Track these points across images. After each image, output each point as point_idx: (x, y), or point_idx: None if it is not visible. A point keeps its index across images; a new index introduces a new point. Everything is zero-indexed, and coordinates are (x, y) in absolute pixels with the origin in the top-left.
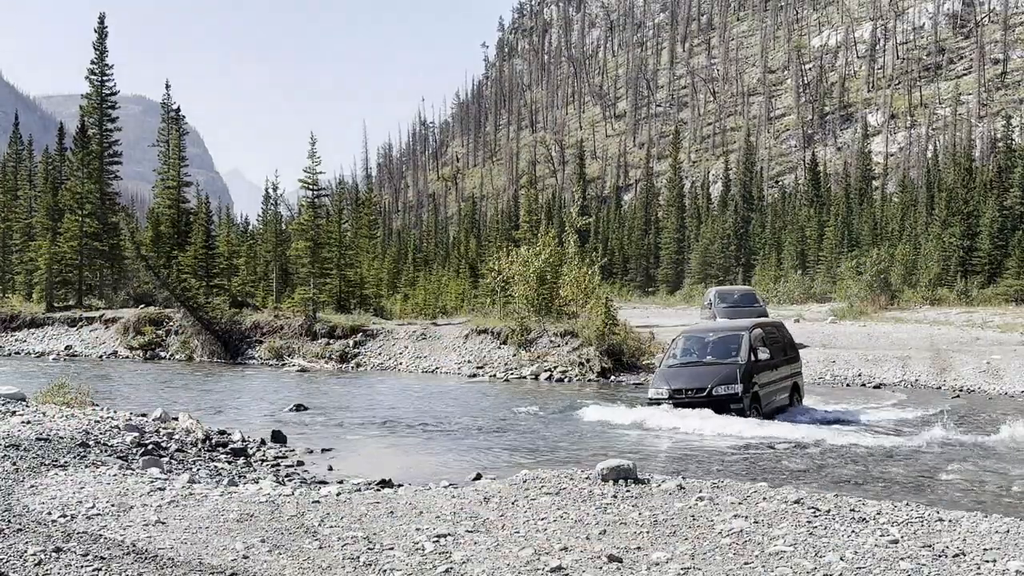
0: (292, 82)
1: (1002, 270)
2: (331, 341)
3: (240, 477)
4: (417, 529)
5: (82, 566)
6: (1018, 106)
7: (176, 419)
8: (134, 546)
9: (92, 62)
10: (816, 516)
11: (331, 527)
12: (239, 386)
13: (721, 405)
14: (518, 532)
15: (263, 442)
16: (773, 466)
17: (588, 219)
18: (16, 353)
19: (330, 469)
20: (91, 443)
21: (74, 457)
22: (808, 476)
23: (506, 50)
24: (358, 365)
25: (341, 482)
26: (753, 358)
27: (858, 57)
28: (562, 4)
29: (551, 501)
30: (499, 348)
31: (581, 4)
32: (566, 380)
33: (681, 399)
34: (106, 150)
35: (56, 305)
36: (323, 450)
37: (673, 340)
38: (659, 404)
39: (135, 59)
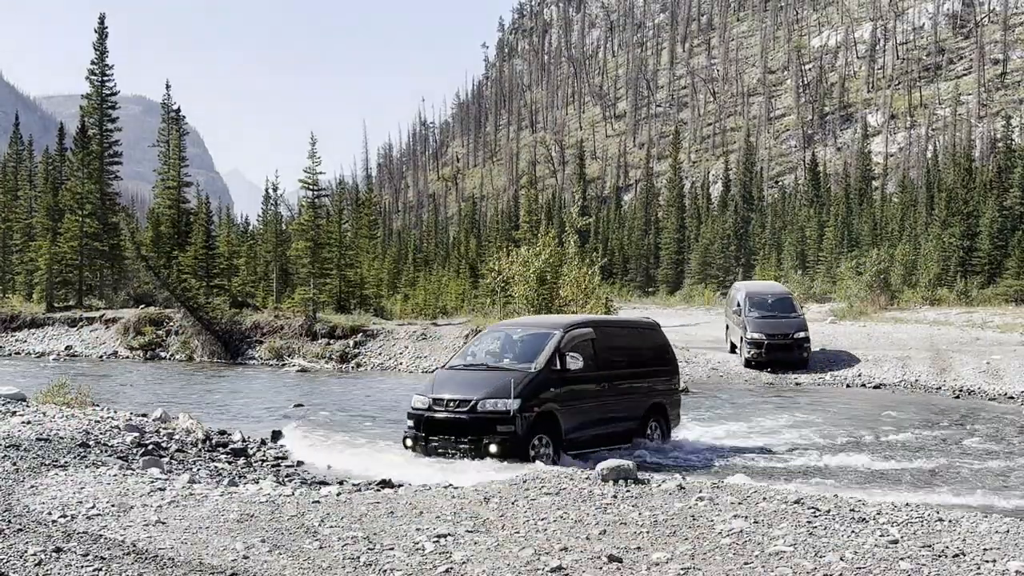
0: (292, 82)
1: (1002, 270)
2: (331, 341)
3: (240, 477)
4: (417, 529)
5: (82, 566)
6: (1018, 106)
7: (176, 419)
8: (134, 546)
9: (92, 62)
10: (816, 516)
11: (331, 527)
12: (239, 386)
13: (484, 428)
14: (518, 532)
15: (263, 442)
16: None
17: (588, 219)
18: (16, 353)
19: (329, 467)
20: (91, 443)
21: (74, 457)
22: None
23: (506, 50)
24: (358, 365)
25: (341, 482)
26: (558, 366)
27: (858, 57)
28: (562, 4)
29: (551, 501)
30: None
31: (581, 4)
32: None
33: (439, 414)
34: (106, 150)
35: (56, 305)
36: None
37: (479, 334)
38: (420, 418)
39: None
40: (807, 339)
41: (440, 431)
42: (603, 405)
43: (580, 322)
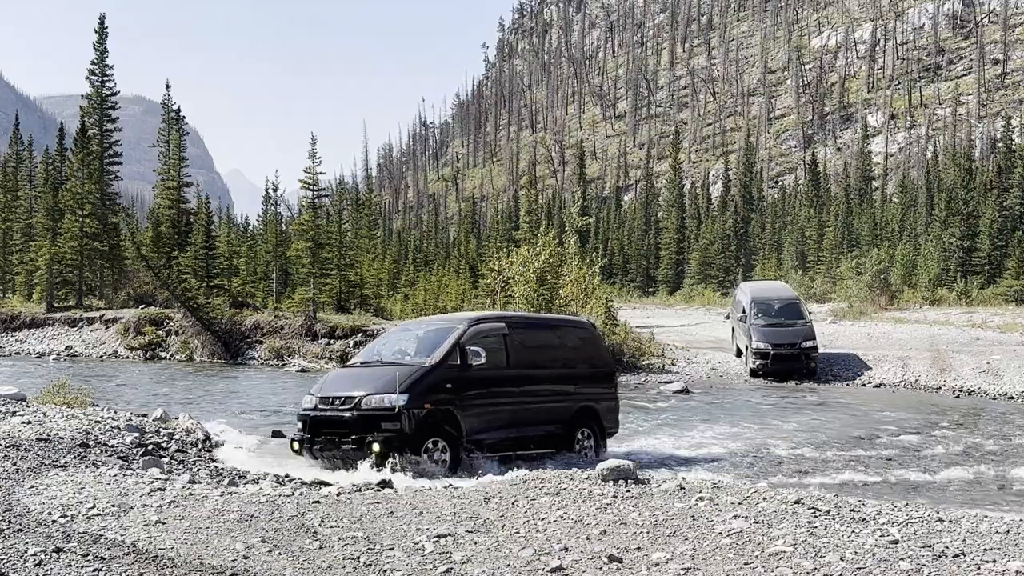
0: (292, 82)
1: (1002, 270)
2: (331, 341)
3: (240, 477)
4: (417, 529)
5: (82, 566)
6: (1018, 106)
7: (176, 419)
8: (134, 546)
9: (92, 62)
10: (816, 516)
11: (331, 527)
12: (239, 386)
13: (368, 426)
14: (518, 532)
15: (264, 442)
16: None
17: (588, 219)
18: (16, 353)
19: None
20: (91, 443)
21: (74, 457)
22: None
23: (506, 50)
24: None
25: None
26: (458, 362)
27: (858, 57)
28: (562, 4)
29: (551, 501)
30: None
31: (581, 4)
32: None
33: (325, 414)
34: (106, 150)
35: (56, 305)
36: None
37: (387, 332)
38: (306, 419)
39: (136, 59)
40: (815, 348)
41: (325, 431)
42: (518, 406)
43: (489, 316)
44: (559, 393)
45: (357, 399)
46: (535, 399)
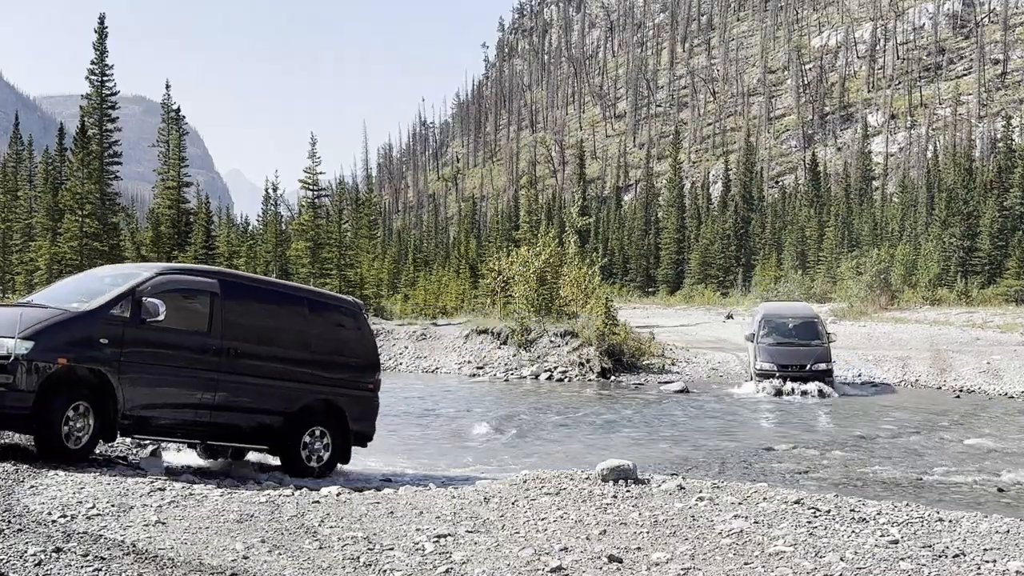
0: (292, 82)
1: (1002, 270)
2: None
3: (244, 479)
4: (417, 529)
5: (82, 566)
6: (1018, 106)
7: None
8: (134, 546)
9: (92, 62)
10: (816, 516)
11: (331, 527)
12: None
13: None
14: (518, 532)
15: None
16: None
17: (588, 219)
18: None
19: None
20: None
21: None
22: None
23: (506, 50)
24: None
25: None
26: (128, 314)
27: (858, 57)
28: (562, 4)
29: (551, 501)
30: (499, 348)
31: (581, 4)
32: (566, 380)
33: None
34: (106, 150)
35: None
36: None
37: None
38: None
39: (136, 59)
40: (829, 372)
41: None
42: (216, 384)
43: (196, 270)
44: (287, 378)
45: None
46: (246, 380)
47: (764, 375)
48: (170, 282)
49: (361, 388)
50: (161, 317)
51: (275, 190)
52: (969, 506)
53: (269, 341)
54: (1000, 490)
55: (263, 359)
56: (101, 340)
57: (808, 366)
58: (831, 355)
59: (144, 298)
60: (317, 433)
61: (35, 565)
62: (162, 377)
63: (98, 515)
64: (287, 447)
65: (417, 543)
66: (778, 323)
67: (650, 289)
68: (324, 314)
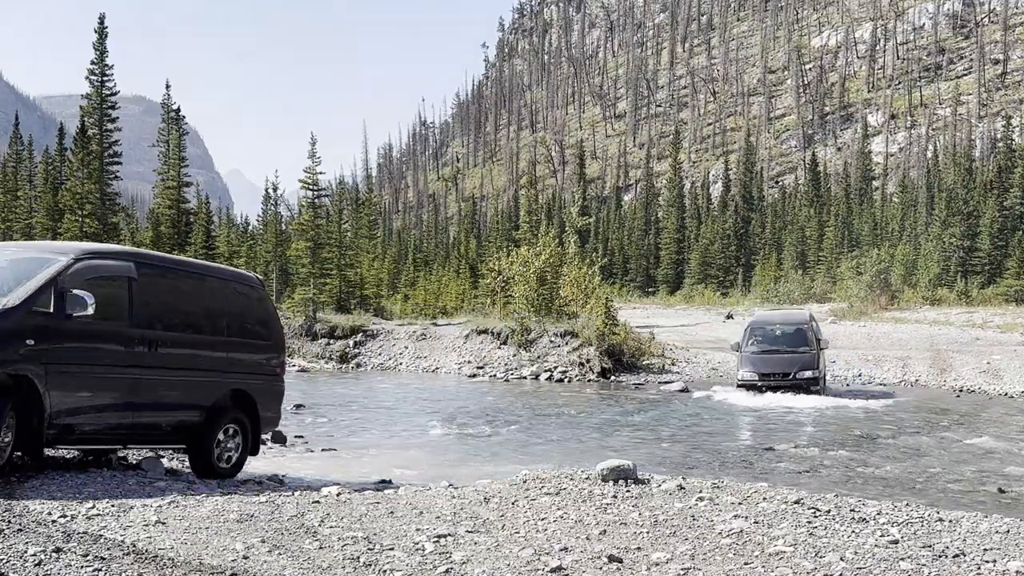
0: (292, 82)
1: (1002, 270)
2: (331, 341)
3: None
4: (417, 529)
5: (82, 566)
6: (1018, 106)
7: None
8: (134, 546)
9: (92, 62)
10: (816, 516)
11: (331, 527)
12: None
13: None
14: (518, 532)
15: (263, 442)
16: None
17: (588, 219)
18: None
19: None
20: None
21: (74, 457)
22: None
23: (506, 50)
24: (358, 365)
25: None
26: (51, 309)
27: (858, 57)
28: (562, 4)
29: (551, 501)
30: (499, 348)
31: (581, 4)
32: (566, 380)
33: None
34: (106, 150)
35: None
36: (323, 449)
37: None
38: None
39: (136, 59)
40: (815, 380)
41: None
42: (139, 381)
43: (109, 252)
44: (205, 368)
45: None
46: (168, 374)
47: (745, 385)
48: (91, 269)
49: (269, 372)
50: (90, 311)
51: (275, 190)
52: (969, 506)
53: (186, 327)
54: (1000, 490)
55: (184, 347)
56: (28, 341)
57: (792, 374)
58: (819, 362)
59: (70, 290)
60: (231, 432)
61: (35, 565)
62: (88, 378)
63: (98, 515)
64: (202, 445)
65: (417, 543)
66: (765, 330)
67: (650, 289)
68: (233, 292)
